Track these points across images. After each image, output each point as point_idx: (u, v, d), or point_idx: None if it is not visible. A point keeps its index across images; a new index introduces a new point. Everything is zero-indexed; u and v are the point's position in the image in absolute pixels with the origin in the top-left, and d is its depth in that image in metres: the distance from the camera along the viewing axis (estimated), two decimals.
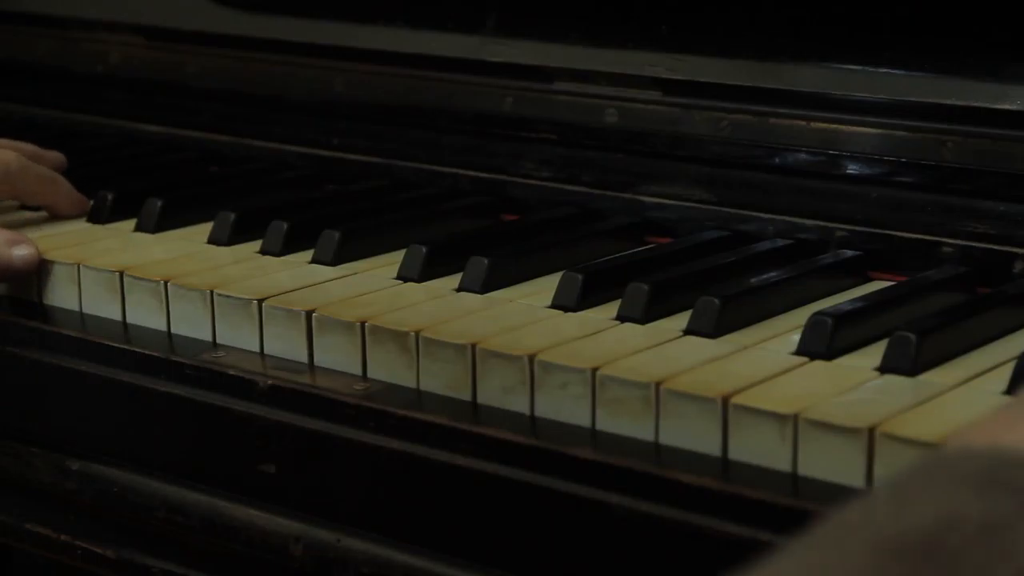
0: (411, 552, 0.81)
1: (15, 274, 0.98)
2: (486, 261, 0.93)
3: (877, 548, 0.47)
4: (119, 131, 1.31)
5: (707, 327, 0.84)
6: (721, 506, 0.71)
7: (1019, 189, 0.92)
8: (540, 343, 0.81)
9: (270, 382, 0.86)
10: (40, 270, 0.99)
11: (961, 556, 0.47)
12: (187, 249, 1.02)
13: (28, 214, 1.13)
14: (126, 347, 0.92)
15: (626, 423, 0.77)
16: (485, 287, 0.92)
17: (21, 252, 0.98)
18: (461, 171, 1.13)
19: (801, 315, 0.85)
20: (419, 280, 0.95)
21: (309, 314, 0.88)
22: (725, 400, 0.74)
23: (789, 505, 0.70)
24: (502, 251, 0.96)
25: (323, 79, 1.21)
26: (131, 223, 1.08)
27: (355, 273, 0.97)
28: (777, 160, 1.01)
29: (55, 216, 1.10)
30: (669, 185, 1.04)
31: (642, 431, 0.76)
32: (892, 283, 0.93)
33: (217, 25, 1.26)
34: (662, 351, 0.81)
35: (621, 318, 0.87)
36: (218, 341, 0.91)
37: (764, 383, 0.76)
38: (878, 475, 0.70)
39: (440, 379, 0.83)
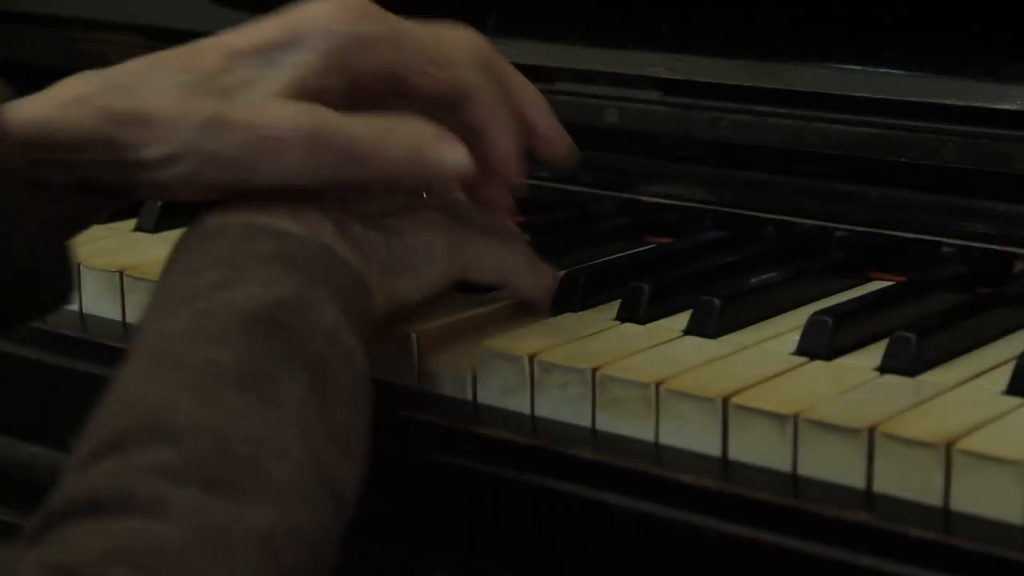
0: (411, 552, 0.81)
1: (439, 178, 0.78)
2: None
3: (242, 317, 0.67)
4: None
5: (707, 327, 0.84)
6: (721, 506, 0.71)
7: (1019, 189, 0.92)
8: (540, 343, 0.81)
9: None
10: None
11: (292, 329, 0.67)
12: None
13: None
14: (126, 347, 0.92)
15: (626, 423, 0.77)
16: (485, 288, 0.92)
17: (453, 153, 0.77)
18: None
19: (801, 315, 0.85)
20: None
21: None
22: (725, 400, 0.74)
23: (789, 505, 0.70)
24: None
25: None
26: (131, 223, 1.08)
27: None
28: (777, 160, 1.01)
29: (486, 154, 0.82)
30: (669, 185, 1.04)
31: (642, 431, 0.76)
32: (892, 283, 0.93)
33: (217, 25, 1.25)
34: (662, 351, 0.81)
35: (621, 318, 0.87)
36: None
37: (764, 383, 0.76)
38: (878, 475, 0.70)
39: (440, 379, 0.83)
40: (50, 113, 0.76)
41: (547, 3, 1.11)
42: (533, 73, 1.10)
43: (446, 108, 0.79)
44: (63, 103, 0.76)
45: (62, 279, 0.77)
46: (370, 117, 0.76)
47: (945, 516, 0.67)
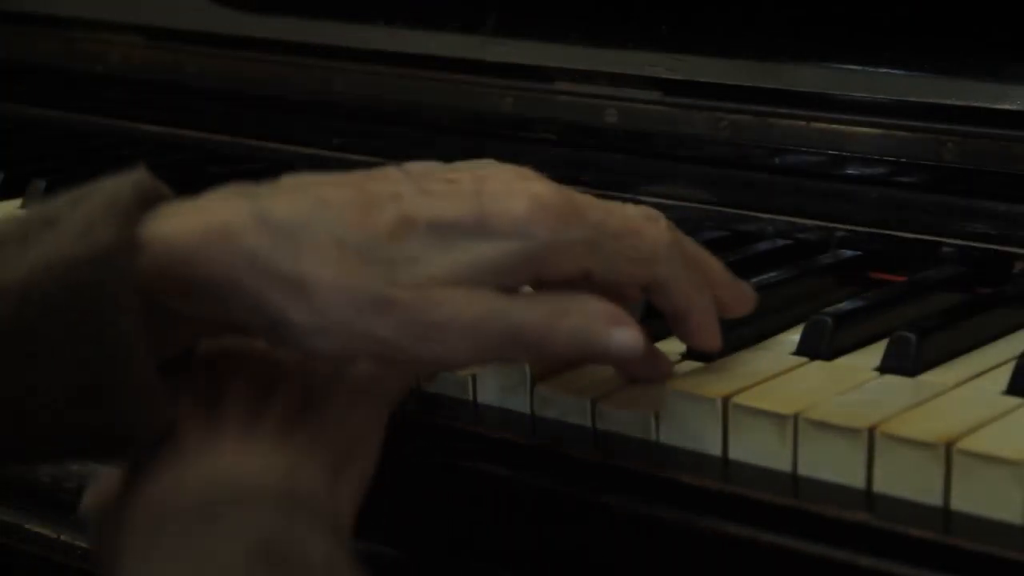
0: (411, 553, 0.81)
1: (610, 361, 0.75)
2: None
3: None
4: (119, 131, 1.31)
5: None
6: (721, 506, 0.71)
7: (1019, 189, 0.92)
8: None
9: None
10: None
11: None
12: None
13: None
14: None
15: (627, 423, 0.76)
16: None
17: (623, 335, 0.71)
18: None
19: (801, 315, 0.84)
20: None
21: None
22: (725, 400, 0.74)
23: (789, 505, 0.70)
24: None
25: (323, 79, 1.21)
26: None
27: None
28: (777, 160, 1.01)
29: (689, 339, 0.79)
30: (669, 185, 1.04)
31: (643, 431, 0.76)
32: (892, 283, 0.93)
33: (217, 25, 1.26)
34: (662, 351, 0.81)
35: None
36: None
37: (764, 383, 0.76)
38: (878, 475, 0.70)
39: (440, 379, 0.83)
40: (195, 244, 0.67)
41: (547, 3, 1.11)
42: (533, 73, 1.10)
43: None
44: (209, 234, 0.67)
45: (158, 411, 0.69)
46: (540, 300, 0.70)
47: (945, 516, 0.67)
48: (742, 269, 0.92)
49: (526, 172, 0.72)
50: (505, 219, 0.69)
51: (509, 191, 0.70)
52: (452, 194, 0.70)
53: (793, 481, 0.72)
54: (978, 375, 0.78)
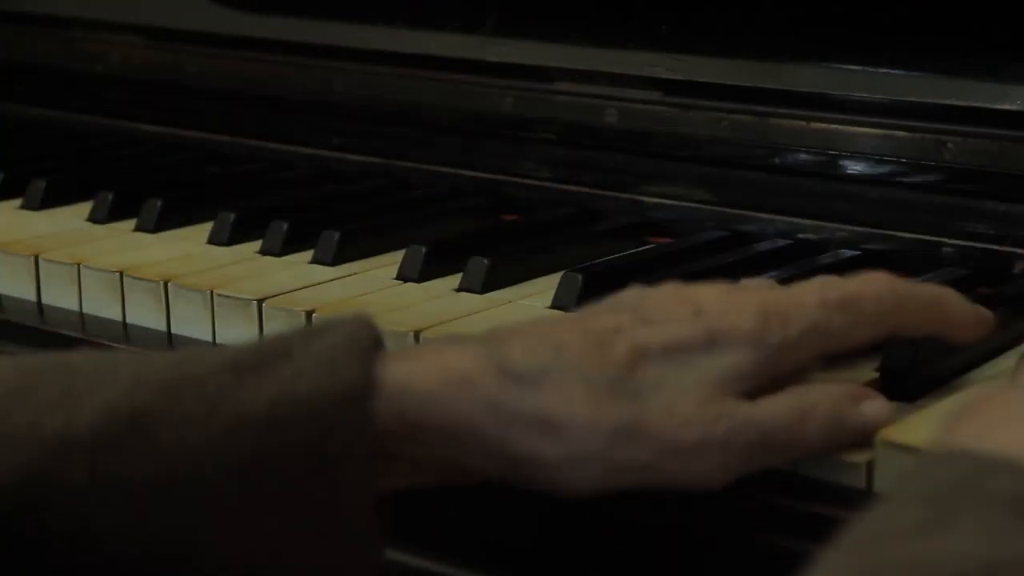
0: (411, 553, 0.81)
1: (863, 438, 0.71)
2: (486, 261, 0.93)
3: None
4: (119, 131, 1.31)
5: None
6: (721, 506, 0.71)
7: (1019, 189, 0.92)
8: None
9: None
10: (39, 271, 0.99)
11: None
12: (187, 249, 1.02)
13: (32, 214, 1.13)
14: (126, 347, 0.92)
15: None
16: (485, 287, 0.92)
17: (872, 408, 0.70)
18: (461, 171, 1.13)
19: None
20: (419, 280, 0.95)
21: (309, 314, 0.88)
22: None
23: (789, 505, 0.70)
24: (502, 251, 0.96)
25: (323, 79, 1.21)
26: (131, 223, 1.08)
27: (355, 273, 0.97)
28: (777, 160, 1.01)
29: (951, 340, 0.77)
30: (669, 185, 1.04)
31: None
32: None
33: (217, 25, 1.26)
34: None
35: None
36: (218, 341, 0.91)
37: None
38: (878, 478, 0.69)
39: None
40: (434, 388, 0.67)
41: (547, 3, 1.11)
42: (533, 73, 1.10)
43: None
44: (448, 379, 0.67)
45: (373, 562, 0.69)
46: (783, 400, 0.69)
47: None
48: (742, 269, 0.92)
49: (728, 287, 0.73)
50: (736, 334, 0.69)
51: (728, 308, 0.71)
52: (674, 319, 0.70)
53: (793, 481, 0.71)
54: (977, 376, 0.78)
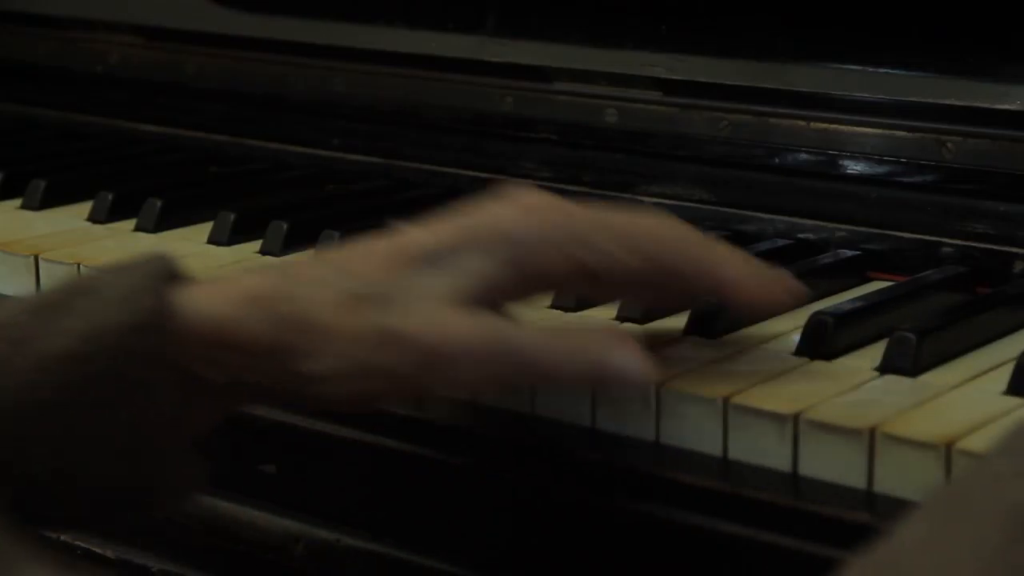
0: (412, 552, 0.81)
1: (616, 385, 0.73)
2: None
3: (1012, 511, 0.48)
4: (119, 131, 1.31)
5: (707, 327, 0.84)
6: (721, 506, 0.71)
7: (1019, 189, 0.92)
8: None
9: None
10: (39, 271, 0.99)
11: None
12: (187, 249, 1.02)
13: (31, 214, 1.13)
14: None
15: (626, 423, 0.77)
16: None
17: (623, 356, 0.71)
18: (461, 171, 1.13)
19: (801, 315, 0.84)
20: None
21: None
22: (725, 400, 0.74)
23: (789, 505, 0.70)
24: None
25: (323, 79, 1.21)
26: (131, 223, 1.08)
27: None
28: (777, 160, 1.01)
29: (731, 305, 0.79)
30: (669, 185, 1.04)
31: (642, 431, 0.76)
32: (892, 283, 0.93)
33: (217, 25, 1.26)
34: (662, 351, 0.81)
35: (621, 318, 0.87)
36: None
37: (764, 383, 0.76)
38: (879, 475, 0.70)
39: None
40: (228, 311, 0.70)
41: (547, 3, 1.11)
42: (533, 73, 1.10)
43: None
44: (240, 302, 0.70)
45: (192, 477, 0.75)
46: (544, 328, 0.75)
47: None
48: None
49: (509, 191, 0.74)
50: (488, 229, 0.72)
51: (492, 207, 0.73)
52: (444, 222, 0.74)
53: (793, 481, 0.72)
54: (978, 375, 0.78)
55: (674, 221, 0.75)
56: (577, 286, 0.77)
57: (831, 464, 0.71)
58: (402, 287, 0.71)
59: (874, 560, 0.49)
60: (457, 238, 0.73)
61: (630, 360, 0.71)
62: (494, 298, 0.72)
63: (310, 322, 0.69)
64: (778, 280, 0.77)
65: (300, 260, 0.77)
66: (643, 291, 0.78)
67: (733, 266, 0.75)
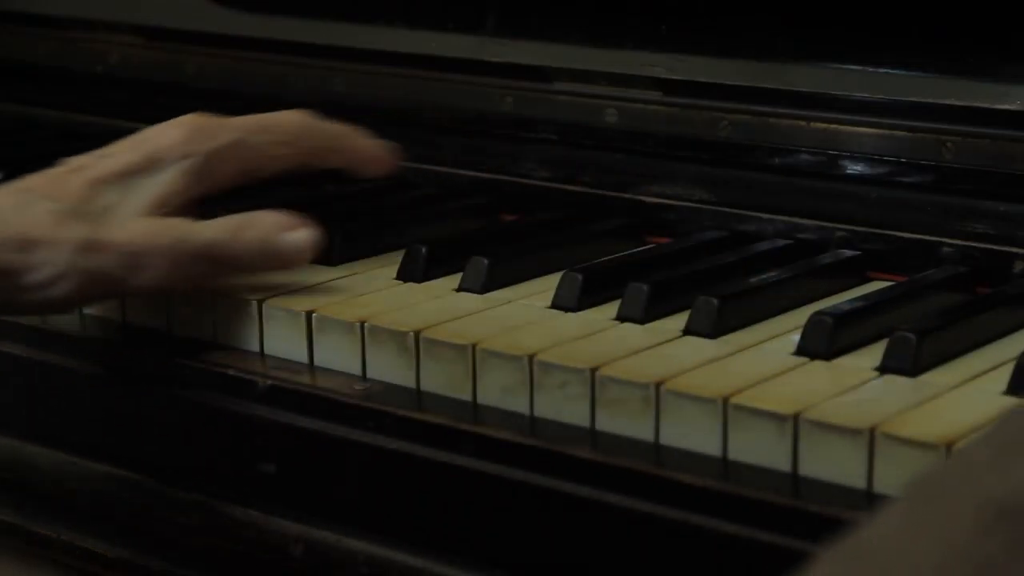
0: (411, 552, 0.81)
1: (289, 265, 0.90)
2: (486, 261, 0.93)
3: (985, 504, 0.48)
4: (119, 131, 1.30)
5: (706, 327, 0.84)
6: (721, 506, 0.71)
7: (1019, 189, 0.92)
8: (540, 343, 0.81)
9: (270, 382, 0.86)
10: None
11: None
12: None
13: None
14: (126, 349, 0.92)
15: (626, 423, 0.77)
16: (485, 287, 0.92)
17: (295, 238, 0.89)
18: (461, 171, 1.13)
19: (801, 315, 0.84)
20: (419, 280, 0.95)
21: (309, 314, 0.88)
22: (725, 400, 0.74)
23: (789, 505, 0.70)
24: (502, 251, 0.96)
25: (323, 79, 1.21)
26: None
27: (355, 273, 0.97)
28: (777, 160, 1.01)
29: (355, 176, 0.98)
30: (669, 185, 1.04)
31: (642, 431, 0.76)
32: (892, 283, 0.93)
33: (217, 25, 1.26)
34: (662, 351, 0.81)
35: (621, 318, 0.87)
36: (219, 342, 0.91)
37: (764, 383, 0.76)
38: (879, 475, 0.70)
39: (440, 379, 0.83)
40: None
41: (547, 3, 1.11)
42: (533, 73, 1.10)
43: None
44: None
45: None
46: (223, 220, 0.88)
47: None
48: (742, 269, 0.93)
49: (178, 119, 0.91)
50: (167, 149, 0.89)
51: (163, 130, 0.90)
52: (123, 151, 0.89)
53: (793, 481, 0.72)
54: (978, 375, 0.78)
55: (306, 113, 0.94)
56: (245, 179, 0.92)
57: (831, 464, 0.71)
58: (102, 204, 0.87)
59: (844, 550, 0.49)
60: (141, 160, 0.88)
61: (300, 238, 0.89)
62: (180, 204, 0.88)
63: (28, 239, 0.84)
64: (381, 147, 0.98)
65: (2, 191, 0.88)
66: (293, 167, 0.95)
67: (353, 139, 0.96)
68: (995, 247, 0.92)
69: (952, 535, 0.47)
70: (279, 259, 0.89)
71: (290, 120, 0.94)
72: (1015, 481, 0.48)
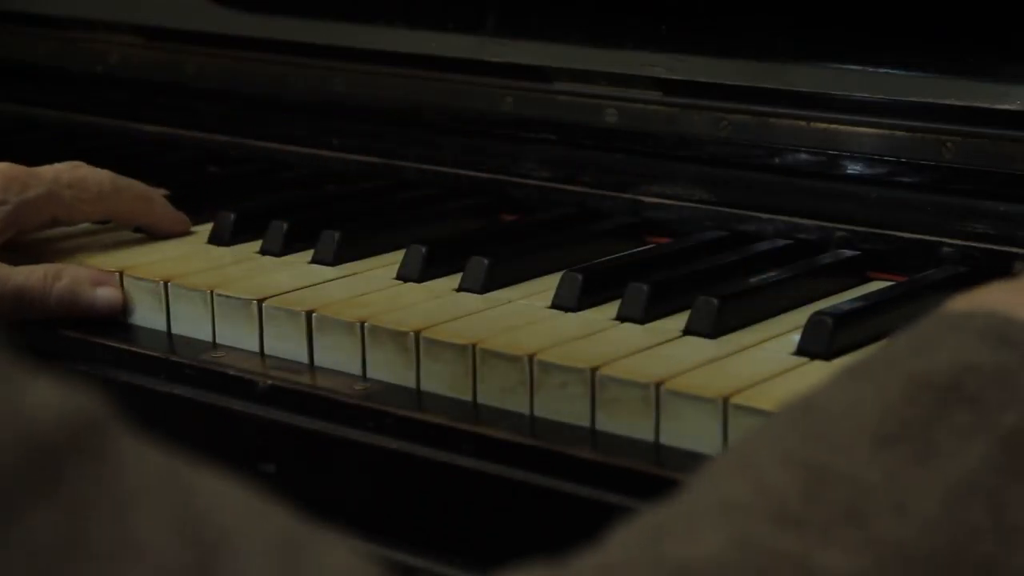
0: (411, 552, 0.81)
1: (97, 316, 0.95)
2: (486, 261, 0.93)
3: (910, 380, 0.55)
4: (119, 131, 1.31)
5: (706, 327, 0.84)
6: None
7: (1019, 189, 0.92)
8: (540, 343, 0.81)
9: (270, 382, 0.86)
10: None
11: (978, 395, 0.55)
12: (187, 249, 1.02)
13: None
14: (126, 347, 0.92)
15: (626, 423, 0.77)
16: (485, 287, 0.92)
17: (105, 294, 0.94)
18: (461, 171, 1.13)
19: (801, 315, 0.84)
20: (419, 280, 0.95)
21: (309, 314, 0.88)
22: (725, 400, 0.74)
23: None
24: (502, 251, 0.96)
25: (323, 79, 1.21)
26: None
27: (355, 273, 0.97)
28: (777, 160, 1.01)
29: (155, 236, 1.04)
30: (669, 185, 1.04)
31: (642, 431, 0.76)
32: (892, 283, 0.93)
33: (217, 25, 1.26)
34: (662, 351, 0.81)
35: (621, 318, 0.87)
36: (218, 341, 0.91)
37: (764, 383, 0.76)
38: None
39: (440, 379, 0.83)
40: None
41: (547, 3, 1.11)
42: (533, 73, 1.10)
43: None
44: None
45: None
46: (39, 268, 0.94)
47: None
48: (742, 269, 0.93)
49: None
50: None
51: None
52: None
53: None
54: None
55: (114, 176, 1.01)
56: (53, 226, 1.00)
57: None
58: None
59: (795, 409, 0.56)
60: None
61: (111, 297, 0.94)
62: None
63: None
64: (179, 218, 1.05)
65: None
66: (100, 220, 1.03)
67: (152, 204, 1.04)
68: (995, 247, 0.92)
69: (885, 400, 0.54)
70: (86, 311, 0.94)
71: (97, 180, 1.00)
72: (933, 362, 0.56)
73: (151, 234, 1.04)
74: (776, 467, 0.53)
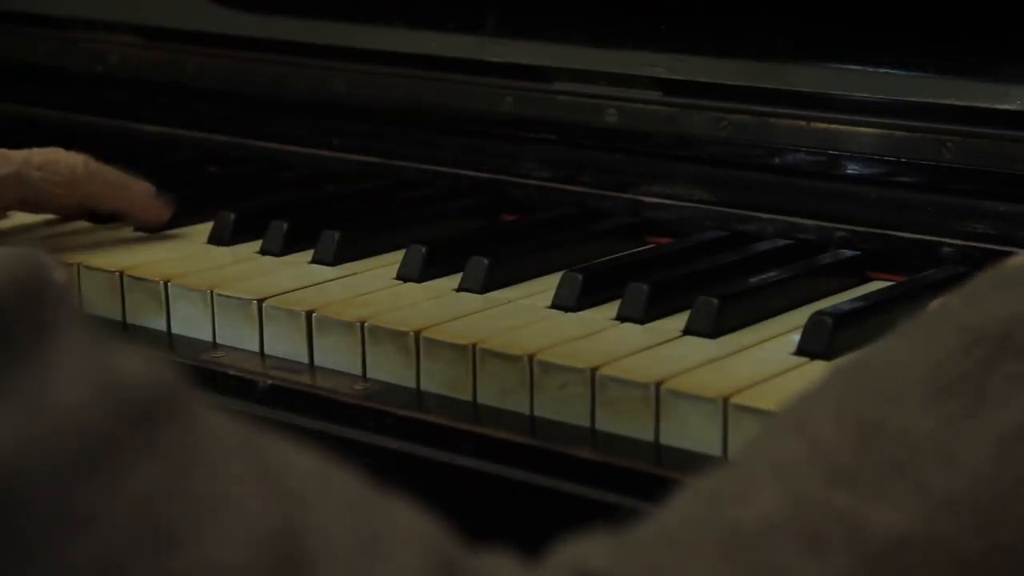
0: None
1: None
2: (486, 261, 0.93)
3: (962, 331, 0.56)
4: (119, 131, 1.31)
5: (706, 327, 0.84)
6: None
7: (1019, 189, 0.92)
8: (540, 343, 0.81)
9: (270, 382, 0.86)
10: None
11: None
12: (187, 249, 1.02)
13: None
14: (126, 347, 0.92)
15: (626, 423, 0.77)
16: (485, 287, 0.92)
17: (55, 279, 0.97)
18: (461, 171, 1.13)
19: (801, 315, 0.84)
20: (419, 280, 0.95)
21: (309, 314, 0.88)
22: (725, 400, 0.74)
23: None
24: (502, 251, 0.96)
25: (323, 79, 1.21)
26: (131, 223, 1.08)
27: (355, 273, 0.97)
28: (777, 160, 1.01)
29: (132, 223, 1.03)
30: (669, 185, 1.04)
31: (642, 431, 0.76)
32: (892, 283, 0.93)
33: (217, 25, 1.26)
34: (662, 351, 0.81)
35: (621, 318, 0.87)
36: (218, 341, 0.91)
37: (764, 383, 0.76)
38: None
39: (440, 379, 0.83)
40: None
41: (547, 3, 1.11)
42: (533, 73, 1.10)
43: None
44: None
45: None
46: None
47: None
48: (742, 269, 0.93)
49: None
50: None
51: None
52: None
53: None
54: None
55: (88, 159, 0.98)
56: (23, 209, 0.99)
57: None
58: None
59: (851, 365, 0.57)
60: None
61: (60, 280, 0.92)
62: None
63: None
64: (157, 206, 1.03)
65: None
66: (72, 208, 1.01)
67: (129, 189, 1.01)
68: (995, 247, 0.92)
69: (937, 353, 0.55)
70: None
71: (70, 164, 0.98)
72: (984, 314, 0.56)
73: (129, 221, 1.03)
74: (829, 424, 0.54)
